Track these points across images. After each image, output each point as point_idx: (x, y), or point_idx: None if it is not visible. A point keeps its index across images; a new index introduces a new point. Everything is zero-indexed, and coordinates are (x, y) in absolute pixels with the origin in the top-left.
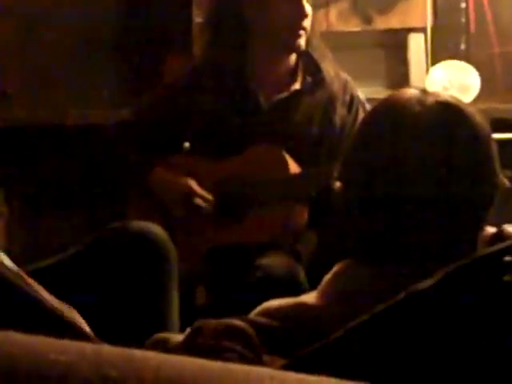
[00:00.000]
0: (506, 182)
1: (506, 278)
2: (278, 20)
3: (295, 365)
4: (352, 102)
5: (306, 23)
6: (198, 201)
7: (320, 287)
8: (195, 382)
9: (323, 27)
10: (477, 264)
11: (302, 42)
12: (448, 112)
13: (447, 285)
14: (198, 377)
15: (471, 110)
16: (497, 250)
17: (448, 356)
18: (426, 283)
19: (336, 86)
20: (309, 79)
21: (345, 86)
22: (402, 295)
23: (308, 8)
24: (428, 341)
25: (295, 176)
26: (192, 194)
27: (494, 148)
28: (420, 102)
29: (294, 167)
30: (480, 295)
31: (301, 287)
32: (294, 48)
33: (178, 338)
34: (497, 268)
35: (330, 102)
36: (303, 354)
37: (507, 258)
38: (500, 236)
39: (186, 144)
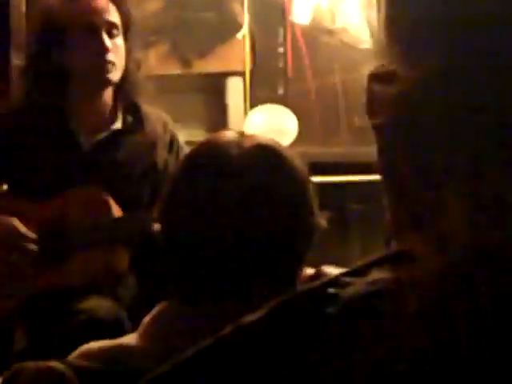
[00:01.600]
0: (324, 223)
1: (329, 310)
2: (84, 57)
3: None
4: (172, 143)
5: (111, 57)
6: (22, 241)
7: (140, 328)
8: None
9: (143, 70)
10: (301, 297)
11: (112, 75)
12: (266, 155)
13: (274, 317)
14: None
15: (289, 153)
16: (320, 283)
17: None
18: (253, 316)
19: (157, 127)
20: (129, 119)
21: (165, 126)
22: (229, 328)
23: (108, 42)
24: (256, 373)
25: (116, 219)
26: (16, 233)
27: (312, 190)
28: (238, 144)
29: (116, 209)
30: (305, 327)
31: (124, 329)
32: (105, 82)
33: None
34: (320, 300)
35: (152, 142)
36: None
37: (330, 290)
38: (318, 276)
39: (4, 186)
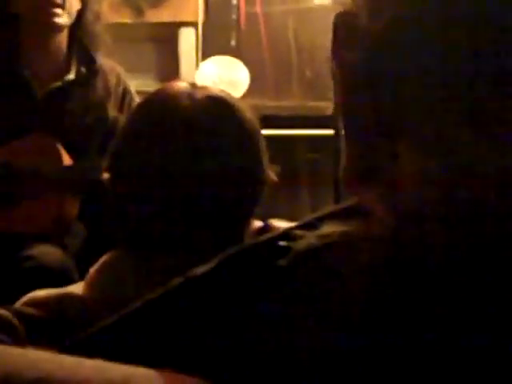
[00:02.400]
0: (274, 177)
1: (280, 262)
2: (31, 1)
3: (70, 349)
4: (125, 95)
5: (58, 0)
6: None
7: (86, 278)
8: None
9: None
10: (252, 249)
11: (60, 20)
12: (217, 106)
13: (224, 269)
14: None
15: (241, 105)
16: (271, 236)
17: (224, 340)
18: (203, 268)
19: (110, 78)
20: (83, 69)
21: (118, 78)
22: (178, 280)
23: None
24: (205, 324)
25: (66, 167)
26: None
27: (263, 144)
28: (189, 95)
29: (66, 158)
30: (256, 279)
31: (71, 278)
32: (52, 26)
33: None
34: (272, 253)
35: (104, 94)
36: (78, 339)
37: (281, 243)
38: (266, 230)
39: None
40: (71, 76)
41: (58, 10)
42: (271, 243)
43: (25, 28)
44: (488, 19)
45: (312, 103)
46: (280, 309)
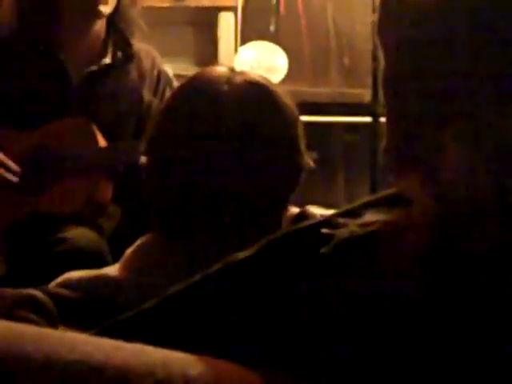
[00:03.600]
0: (311, 163)
1: (323, 249)
2: None
3: (107, 332)
4: (159, 79)
5: None
6: (4, 171)
7: (122, 260)
8: (8, 346)
9: (134, 1)
10: (295, 235)
11: (104, 8)
12: (256, 92)
13: (265, 255)
14: (10, 339)
15: (280, 91)
16: (313, 223)
17: (266, 325)
18: (243, 253)
19: (145, 62)
20: (119, 54)
21: (153, 62)
22: (218, 265)
23: None
24: (247, 310)
25: (101, 149)
26: None
27: (301, 130)
28: (228, 80)
29: (101, 141)
30: (299, 266)
31: (105, 260)
32: (96, 13)
33: None
34: (315, 240)
35: (140, 77)
36: (116, 322)
37: (324, 230)
38: (303, 216)
39: None
40: (107, 60)
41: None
42: (314, 230)
43: (65, 12)
44: None
45: (350, 90)
46: (322, 296)
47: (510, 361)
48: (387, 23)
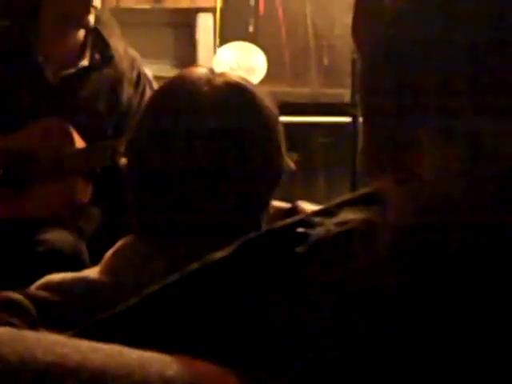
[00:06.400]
0: (292, 164)
1: (299, 249)
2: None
3: (85, 334)
4: (139, 80)
5: (96, 1)
6: None
7: (102, 262)
8: None
9: (113, 3)
10: (271, 235)
11: (92, 18)
12: (236, 92)
13: (242, 254)
14: None
15: (259, 92)
16: (289, 222)
17: (243, 325)
18: (220, 253)
19: (124, 64)
20: (97, 56)
21: (132, 63)
22: (196, 265)
23: None
24: (224, 310)
25: (79, 150)
26: None
27: (281, 131)
28: (208, 81)
29: (79, 142)
30: (274, 266)
31: (83, 263)
32: (84, 24)
33: None
34: (290, 239)
35: (118, 79)
36: (93, 323)
37: (300, 230)
38: (294, 211)
39: None
40: (85, 62)
41: (92, 9)
42: (289, 230)
43: (50, 19)
44: None
45: (329, 90)
46: (296, 295)
47: (478, 358)
48: (362, 23)
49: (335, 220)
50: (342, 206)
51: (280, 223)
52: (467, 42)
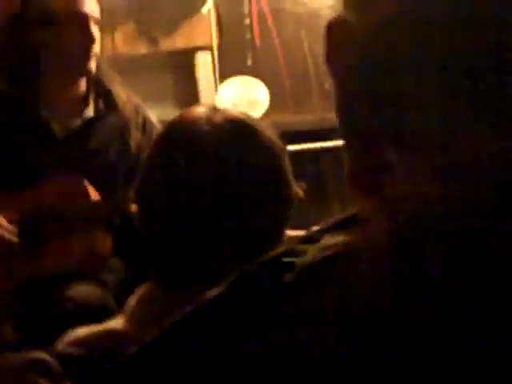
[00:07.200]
0: (301, 193)
1: (286, 278)
2: (69, 46)
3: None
4: (145, 125)
5: (96, 49)
6: (3, 232)
7: (126, 312)
8: None
9: (109, 51)
10: (260, 268)
11: (93, 65)
12: (237, 129)
13: (234, 290)
14: None
15: (261, 125)
16: (276, 253)
17: (237, 358)
18: (215, 291)
19: (128, 110)
20: (101, 104)
21: (137, 109)
22: (191, 306)
23: (96, 32)
24: (221, 346)
25: (95, 203)
26: None
27: (287, 161)
28: (208, 120)
29: (94, 194)
30: (265, 297)
31: (112, 314)
32: (86, 72)
33: None
34: (277, 270)
35: (125, 125)
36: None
37: (285, 260)
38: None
39: None
40: (90, 112)
41: (93, 58)
42: (275, 261)
43: (51, 69)
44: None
45: (333, 115)
46: (290, 324)
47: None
48: (335, 53)
49: (319, 245)
50: (325, 231)
51: (268, 255)
52: (439, 68)
